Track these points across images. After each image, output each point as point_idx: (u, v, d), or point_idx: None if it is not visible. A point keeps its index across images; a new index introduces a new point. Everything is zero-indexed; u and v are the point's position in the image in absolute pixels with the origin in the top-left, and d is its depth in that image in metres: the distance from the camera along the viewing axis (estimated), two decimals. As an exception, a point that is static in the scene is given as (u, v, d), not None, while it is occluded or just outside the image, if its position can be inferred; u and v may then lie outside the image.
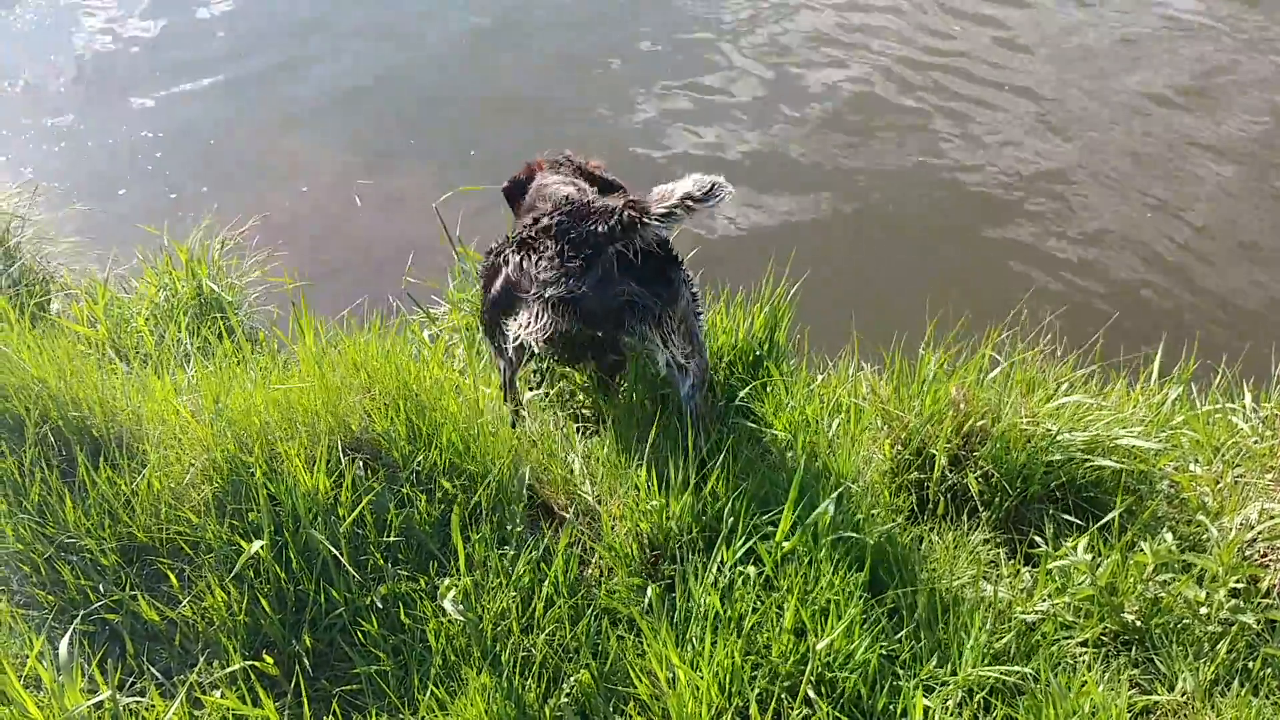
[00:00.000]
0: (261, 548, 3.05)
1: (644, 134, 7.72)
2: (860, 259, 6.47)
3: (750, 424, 3.97)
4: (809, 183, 7.12)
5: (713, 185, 3.16)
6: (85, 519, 3.24)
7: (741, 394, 4.06)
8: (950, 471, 3.57)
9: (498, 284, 3.55)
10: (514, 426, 3.73)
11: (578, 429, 3.83)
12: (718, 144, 7.60)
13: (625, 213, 3.23)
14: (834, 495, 3.22)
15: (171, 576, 3.13)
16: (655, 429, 3.52)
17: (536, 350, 3.49)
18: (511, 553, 3.17)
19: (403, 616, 3.05)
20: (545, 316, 3.32)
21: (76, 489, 3.32)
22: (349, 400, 3.46)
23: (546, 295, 3.30)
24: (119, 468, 3.34)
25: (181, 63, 8.58)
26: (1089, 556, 3.16)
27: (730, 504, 3.28)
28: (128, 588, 3.16)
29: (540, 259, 3.35)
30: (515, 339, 3.43)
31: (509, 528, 3.24)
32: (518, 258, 3.46)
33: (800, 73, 8.31)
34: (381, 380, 3.57)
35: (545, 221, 3.45)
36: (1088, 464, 3.55)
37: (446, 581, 3.06)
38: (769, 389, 4.07)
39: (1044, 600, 3.14)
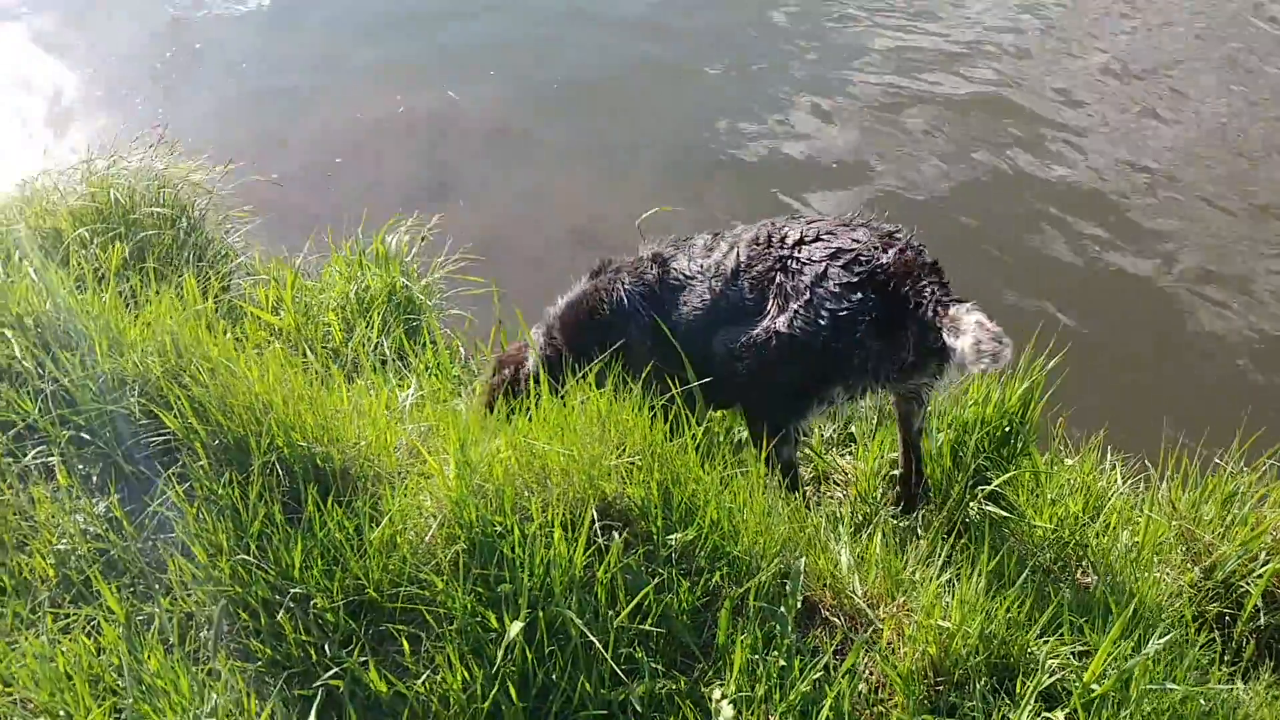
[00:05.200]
0: (520, 630, 2.71)
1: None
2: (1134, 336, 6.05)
3: (1001, 511, 3.61)
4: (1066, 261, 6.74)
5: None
6: (310, 564, 2.91)
7: (996, 483, 3.67)
8: (1264, 612, 3.17)
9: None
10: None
11: (838, 516, 3.45)
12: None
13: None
14: (1157, 637, 2.85)
15: (405, 644, 2.80)
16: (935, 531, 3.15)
17: None
18: (782, 660, 2.80)
19: (663, 722, 2.70)
20: None
21: (300, 528, 2.98)
22: (605, 461, 3.09)
23: None
24: (352, 509, 3.01)
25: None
26: None
27: (1028, 629, 2.91)
28: (356, 650, 2.83)
29: None
30: None
31: (779, 631, 2.88)
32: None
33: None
34: (632, 439, 3.21)
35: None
36: None
37: (720, 690, 2.71)
38: (1023, 476, 3.70)
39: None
